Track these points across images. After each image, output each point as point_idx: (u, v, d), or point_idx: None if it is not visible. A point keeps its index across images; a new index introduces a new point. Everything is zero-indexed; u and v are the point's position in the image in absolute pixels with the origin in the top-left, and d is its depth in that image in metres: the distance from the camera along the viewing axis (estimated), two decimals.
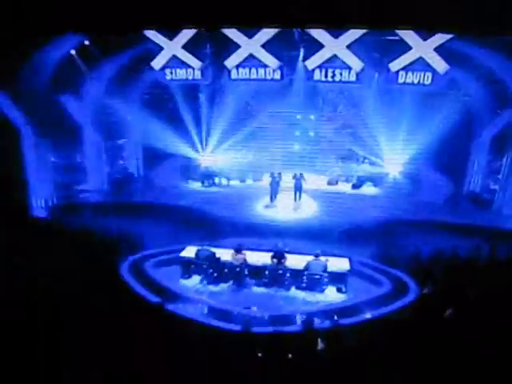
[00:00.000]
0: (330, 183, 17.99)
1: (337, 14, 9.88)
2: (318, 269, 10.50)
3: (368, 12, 9.42)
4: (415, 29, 12.68)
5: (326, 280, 10.61)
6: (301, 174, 15.77)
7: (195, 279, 11.20)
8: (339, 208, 15.12)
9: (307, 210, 15.43)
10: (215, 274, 10.93)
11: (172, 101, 17.71)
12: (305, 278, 10.61)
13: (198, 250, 11.07)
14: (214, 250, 11.20)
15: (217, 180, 18.28)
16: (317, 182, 17.35)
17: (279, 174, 16.00)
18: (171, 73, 15.83)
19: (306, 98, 17.16)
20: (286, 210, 15.35)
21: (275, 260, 10.72)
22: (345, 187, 17.70)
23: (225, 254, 11.12)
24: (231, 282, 10.81)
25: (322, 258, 10.55)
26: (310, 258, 10.74)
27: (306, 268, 10.58)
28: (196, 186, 18.12)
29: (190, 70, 15.63)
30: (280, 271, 10.65)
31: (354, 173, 17.97)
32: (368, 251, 12.21)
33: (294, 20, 10.65)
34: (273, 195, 15.88)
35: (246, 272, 10.79)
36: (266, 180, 16.51)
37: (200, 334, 7.22)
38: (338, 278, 10.71)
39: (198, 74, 15.68)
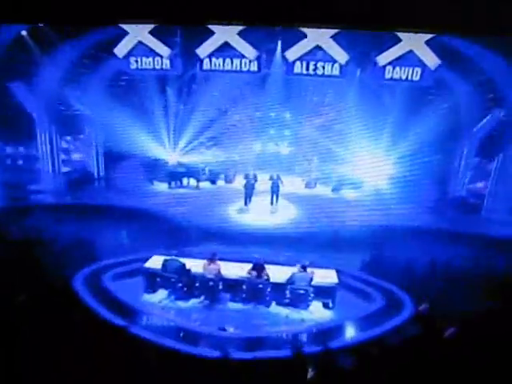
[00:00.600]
0: (307, 186, 17.41)
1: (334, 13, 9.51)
2: (303, 282, 9.55)
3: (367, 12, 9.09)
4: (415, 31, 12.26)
5: (311, 295, 9.61)
6: (278, 176, 15.07)
7: (161, 294, 10.09)
8: (320, 213, 14.41)
9: (285, 215, 14.68)
10: (185, 288, 9.88)
11: (137, 93, 16.68)
12: (288, 292, 9.62)
13: (165, 261, 9.97)
14: (183, 260, 10.07)
15: (185, 181, 17.37)
16: (294, 185, 16.73)
17: (254, 175, 15.21)
18: (136, 61, 14.59)
19: (285, 93, 16.47)
20: (263, 214, 14.59)
21: (254, 272, 9.66)
22: (324, 190, 17.06)
23: (196, 265, 10.03)
24: (203, 298, 9.75)
25: (308, 270, 9.54)
26: (293, 269, 9.75)
27: (290, 281, 9.57)
28: (162, 187, 17.16)
29: (157, 59, 14.47)
30: (260, 285, 9.60)
31: (334, 175, 17.25)
32: (355, 262, 11.51)
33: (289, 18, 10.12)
34: (247, 198, 15.12)
35: (221, 286, 9.73)
36: (239, 182, 15.88)
37: (166, 360, 6.33)
38: (324, 293, 9.80)
39: (166, 64, 14.53)
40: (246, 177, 15.13)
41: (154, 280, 10.05)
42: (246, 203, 15.15)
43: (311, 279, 9.62)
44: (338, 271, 10.24)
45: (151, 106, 17.05)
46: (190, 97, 17.22)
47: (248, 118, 17.86)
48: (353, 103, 16.27)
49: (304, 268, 9.63)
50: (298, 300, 9.61)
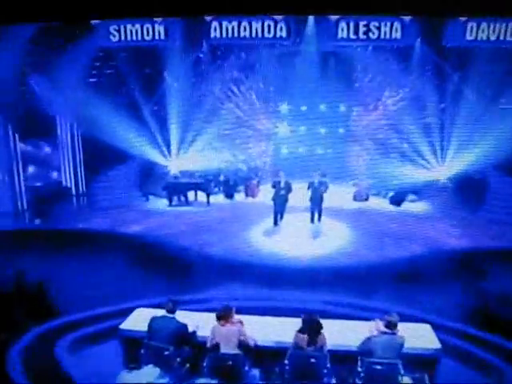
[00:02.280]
0: (357, 198, 15.13)
1: None
2: (390, 350, 6.02)
3: None
4: None
5: (401, 372, 6.08)
6: (321, 182, 12.25)
7: (150, 372, 6.45)
8: (381, 235, 11.87)
9: (332, 240, 11.91)
10: (187, 366, 6.34)
11: (125, 82, 14.48)
12: (362, 368, 6.14)
13: (155, 319, 6.49)
14: (183, 316, 6.68)
15: (191, 195, 14.97)
16: (339, 197, 14.22)
17: (287, 183, 12.30)
18: (118, 31, 12.20)
19: (322, 74, 14.53)
20: (300, 239, 11.86)
21: (304, 336, 6.17)
22: (379, 203, 14.83)
23: (204, 324, 6.68)
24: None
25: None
26: (366, 326, 6.48)
27: (365, 349, 6.07)
28: (160, 204, 14.84)
29: (147, 27, 12.06)
30: (313, 358, 6.08)
31: (394, 181, 14.77)
32: (447, 307, 8.75)
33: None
34: (278, 215, 12.44)
35: (247, 365, 6.23)
36: (265, 193, 13.69)
37: None
38: (420, 365, 6.40)
39: (160, 33, 12.17)
40: (275, 185, 12.36)
41: (137, 349, 6.57)
42: (275, 222, 12.48)
43: (401, 344, 6.07)
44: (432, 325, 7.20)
45: (143, 99, 14.78)
46: (195, 82, 15.06)
47: (274, 107, 16.01)
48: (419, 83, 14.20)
49: (389, 325, 6.08)
50: (381, 382, 6.01)
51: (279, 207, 12.40)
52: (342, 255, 11.09)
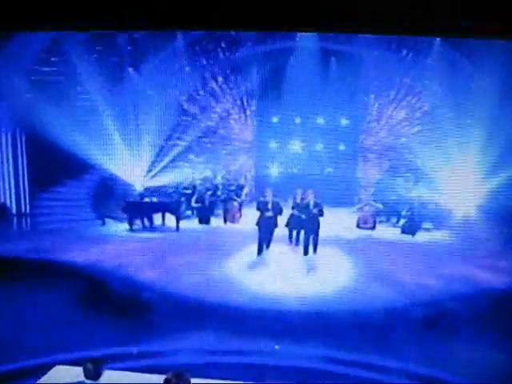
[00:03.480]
0: (361, 225, 14.39)
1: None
2: None
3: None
4: None
5: None
6: (316, 204, 11.69)
7: None
8: (390, 273, 11.32)
9: (330, 276, 11.33)
10: None
11: (79, 80, 13.72)
12: None
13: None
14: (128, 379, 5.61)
15: (157, 219, 14.35)
16: (340, 223, 13.90)
17: (275, 204, 11.76)
18: None
19: (322, 78, 14.32)
20: (290, 273, 11.35)
21: None
22: (387, 232, 14.09)
23: None
24: None
25: None
26: None
27: None
28: (119, 229, 14.16)
29: None
30: None
31: (404, 207, 14.23)
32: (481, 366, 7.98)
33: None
34: (263, 244, 11.82)
35: None
36: (248, 219, 13.14)
37: None
38: None
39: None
40: (261, 207, 11.78)
41: None
42: (259, 252, 11.81)
43: None
44: None
45: (103, 100, 14.03)
46: (166, 79, 14.29)
47: (263, 116, 15.59)
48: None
49: None
50: None
51: (265, 234, 11.75)
52: (343, 297, 10.54)
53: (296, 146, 15.93)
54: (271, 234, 11.82)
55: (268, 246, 11.89)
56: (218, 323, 9.30)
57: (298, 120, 15.45)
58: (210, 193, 14.76)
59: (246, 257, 12.01)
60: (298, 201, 11.84)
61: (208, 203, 14.50)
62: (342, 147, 15.51)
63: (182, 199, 14.64)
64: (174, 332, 9.14)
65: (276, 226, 11.80)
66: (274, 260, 11.85)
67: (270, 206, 11.70)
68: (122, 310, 9.71)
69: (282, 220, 12.19)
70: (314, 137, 15.59)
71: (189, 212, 14.73)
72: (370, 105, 15.29)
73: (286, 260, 11.93)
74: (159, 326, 9.25)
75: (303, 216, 11.85)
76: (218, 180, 15.39)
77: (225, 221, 14.33)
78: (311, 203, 11.67)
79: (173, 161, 14.91)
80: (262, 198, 11.87)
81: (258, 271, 11.42)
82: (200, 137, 15.19)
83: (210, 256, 11.90)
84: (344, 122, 15.50)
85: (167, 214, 14.32)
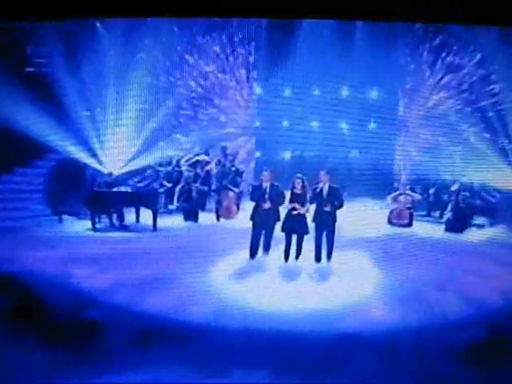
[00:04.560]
0: (393, 220, 13.92)
1: None
2: None
3: None
4: None
5: None
6: (333, 192, 10.89)
7: None
8: (430, 284, 10.55)
9: (349, 289, 10.34)
10: None
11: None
12: None
13: None
14: None
15: (129, 214, 13.49)
16: (362, 219, 12.72)
17: (274, 189, 11.03)
18: None
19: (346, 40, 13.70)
20: (296, 285, 10.40)
21: None
22: (428, 229, 13.71)
23: None
24: None
25: None
26: None
27: None
28: (78, 227, 13.28)
29: None
30: None
31: (449, 197, 14.09)
32: None
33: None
34: (258, 244, 10.99)
35: None
36: (247, 213, 11.96)
37: None
38: None
39: None
40: (255, 194, 11.00)
41: None
42: (252, 255, 10.99)
43: None
44: None
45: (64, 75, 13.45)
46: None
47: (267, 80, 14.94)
48: None
49: None
50: None
51: (260, 230, 10.80)
52: (368, 318, 9.48)
53: (314, 123, 15.28)
54: (271, 231, 10.84)
55: (267, 249, 10.93)
56: (199, 353, 8.52)
57: (316, 91, 14.78)
58: (199, 181, 14.12)
59: (241, 264, 11.18)
60: (299, 191, 10.80)
61: (196, 194, 13.77)
62: (372, 125, 14.96)
63: (162, 189, 14.02)
64: (126, 362, 8.38)
65: (277, 219, 10.86)
66: (275, 269, 10.92)
67: (267, 191, 10.83)
68: (67, 335, 8.77)
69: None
70: (336, 112, 14.84)
71: (172, 206, 13.93)
72: (408, 71, 14.84)
73: (289, 269, 10.97)
74: (108, 354, 8.47)
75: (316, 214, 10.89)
76: (212, 165, 14.67)
77: (218, 217, 13.56)
78: (325, 190, 10.73)
79: (151, 139, 14.04)
80: (257, 183, 10.98)
81: (253, 283, 10.48)
82: (187, 108, 14.56)
83: (196, 264, 10.92)
84: (374, 93, 15.17)
85: (142, 209, 13.49)
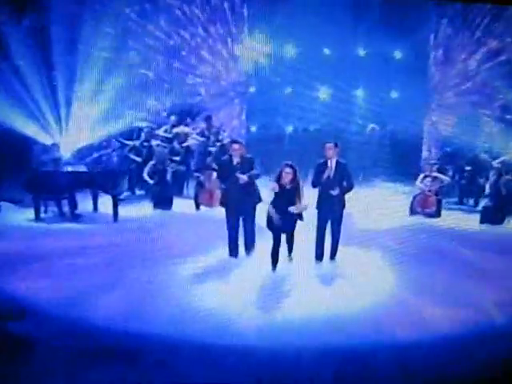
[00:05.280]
0: (417, 209, 12.95)
1: None
2: None
3: None
4: None
5: None
6: (341, 168, 9.85)
7: None
8: (462, 292, 9.34)
9: (360, 298, 9.01)
10: None
11: None
12: None
13: None
14: None
15: (84, 201, 12.51)
16: (379, 207, 12.41)
17: (249, 162, 10.11)
18: None
19: None
20: (292, 294, 9.23)
21: None
22: (459, 220, 12.76)
23: None
24: None
25: None
26: None
27: None
28: (20, 217, 12.36)
29: None
30: None
31: (486, 180, 13.39)
32: None
33: None
34: (235, 238, 9.96)
35: None
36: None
37: None
38: None
39: None
40: (223, 171, 10.03)
41: None
42: (232, 252, 9.98)
43: None
44: None
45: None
46: None
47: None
48: None
49: None
50: None
51: (237, 218, 9.72)
52: (376, 332, 8.16)
53: (323, 91, 14.83)
54: (251, 219, 9.69)
55: (250, 244, 9.73)
56: (153, 374, 7.40)
57: (326, 51, 14.62)
58: (176, 158, 13.18)
59: (218, 264, 10.00)
60: (286, 181, 9.39)
61: (171, 175, 12.73)
62: (393, 94, 14.89)
63: (128, 167, 13.19)
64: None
65: (258, 200, 9.69)
66: (262, 270, 9.56)
67: (239, 170, 9.62)
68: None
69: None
70: (350, 77, 14.67)
71: (139, 192, 13.01)
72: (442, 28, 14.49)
73: (282, 270, 9.64)
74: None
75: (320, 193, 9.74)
76: (192, 140, 13.52)
77: (197, 205, 12.47)
78: (331, 167, 9.55)
79: (113, 103, 13.26)
80: (224, 158, 9.84)
81: (231, 287, 9.23)
82: (161, 64, 13.78)
83: (164, 264, 9.90)
84: (398, 54, 14.76)
85: (101, 194, 12.49)
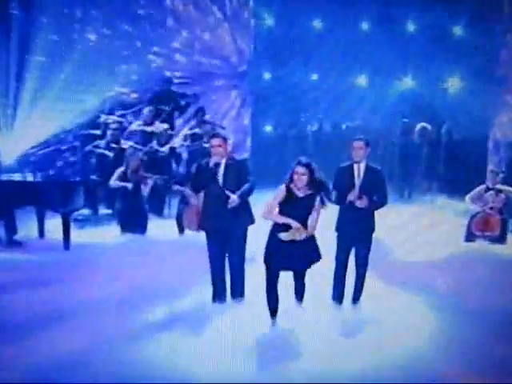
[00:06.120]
0: (475, 232, 12.02)
1: None
2: None
3: None
4: None
5: None
6: (372, 175, 8.61)
7: None
8: None
9: (393, 351, 7.32)
10: None
11: None
12: None
13: None
14: None
15: (25, 222, 11.55)
16: (421, 229, 12.13)
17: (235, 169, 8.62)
18: None
19: None
20: (292, 346, 7.52)
21: None
22: None
23: None
24: None
25: None
26: None
27: None
28: None
29: None
30: None
31: None
32: None
33: None
34: (218, 277, 8.47)
35: None
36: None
37: None
38: None
39: None
40: (201, 178, 8.46)
41: None
42: (216, 296, 8.53)
43: None
44: None
45: None
46: None
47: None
48: None
49: None
50: None
51: (220, 249, 8.19)
52: None
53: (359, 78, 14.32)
54: (239, 249, 8.15)
55: (238, 286, 8.27)
56: None
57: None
58: (154, 165, 11.86)
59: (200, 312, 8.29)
60: (300, 192, 7.52)
61: (148, 189, 11.38)
62: (452, 84, 14.47)
63: (84, 177, 12.06)
64: None
65: (250, 221, 8.14)
66: (256, 320, 7.82)
67: (219, 178, 7.99)
68: None
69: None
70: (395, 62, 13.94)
71: (105, 211, 12.04)
72: None
73: (285, 319, 7.89)
74: None
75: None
76: (178, 139, 12.28)
77: (180, 227, 11.04)
78: (359, 173, 8.27)
79: (68, 90, 12.42)
80: (203, 162, 8.10)
81: (212, 344, 7.25)
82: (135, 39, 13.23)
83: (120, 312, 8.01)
84: (458, 31, 14.00)
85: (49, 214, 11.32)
